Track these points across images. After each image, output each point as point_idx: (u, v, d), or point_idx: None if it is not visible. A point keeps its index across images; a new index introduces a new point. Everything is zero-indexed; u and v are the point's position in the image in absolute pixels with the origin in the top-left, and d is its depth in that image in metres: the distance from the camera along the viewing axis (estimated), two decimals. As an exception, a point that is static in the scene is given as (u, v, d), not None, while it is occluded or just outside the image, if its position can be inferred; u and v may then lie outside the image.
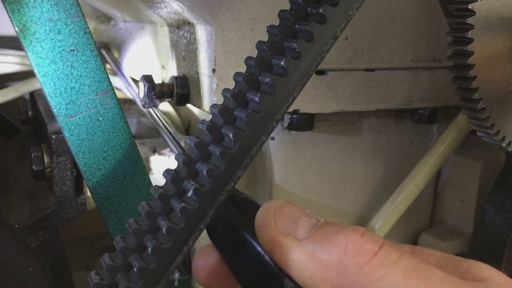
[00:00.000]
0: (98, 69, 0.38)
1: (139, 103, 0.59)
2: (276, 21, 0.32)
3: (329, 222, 0.29)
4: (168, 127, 0.53)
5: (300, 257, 0.27)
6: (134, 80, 0.77)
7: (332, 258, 0.27)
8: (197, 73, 0.49)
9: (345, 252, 0.26)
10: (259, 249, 0.30)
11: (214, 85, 0.46)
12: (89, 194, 0.44)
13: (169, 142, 0.51)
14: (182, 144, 0.52)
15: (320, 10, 0.29)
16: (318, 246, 0.27)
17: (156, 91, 0.52)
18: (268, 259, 0.29)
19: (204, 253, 0.35)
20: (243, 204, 0.33)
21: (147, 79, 0.52)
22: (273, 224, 0.29)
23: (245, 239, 0.31)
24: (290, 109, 0.50)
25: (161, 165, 0.52)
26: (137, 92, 0.58)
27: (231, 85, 0.32)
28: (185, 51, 0.52)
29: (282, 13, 0.31)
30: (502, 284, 0.26)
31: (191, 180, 0.29)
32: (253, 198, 0.35)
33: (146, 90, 0.51)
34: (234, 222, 0.33)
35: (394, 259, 0.26)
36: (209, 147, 0.30)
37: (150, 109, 0.57)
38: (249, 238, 0.31)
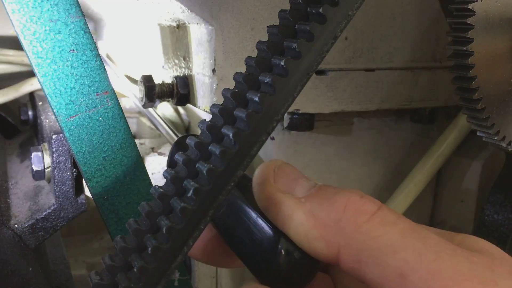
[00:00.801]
0: (98, 69, 0.38)
1: (138, 103, 0.59)
2: (276, 21, 0.32)
3: (327, 185, 0.29)
4: (167, 126, 0.53)
5: (298, 214, 0.28)
6: (134, 80, 0.77)
7: (330, 216, 0.27)
8: (197, 73, 0.49)
9: (344, 211, 0.26)
10: (253, 213, 0.30)
11: (214, 85, 0.46)
12: (89, 194, 0.44)
13: (168, 142, 0.51)
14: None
15: (320, 10, 0.29)
16: (316, 205, 0.27)
17: (156, 91, 0.52)
18: (262, 222, 0.29)
19: None
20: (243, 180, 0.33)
21: (147, 79, 0.52)
22: (272, 181, 0.29)
23: (239, 205, 0.31)
24: (290, 109, 0.50)
25: (161, 165, 0.52)
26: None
27: (231, 85, 0.32)
28: (185, 51, 0.52)
29: (282, 13, 0.31)
30: (496, 253, 0.26)
31: (191, 180, 0.29)
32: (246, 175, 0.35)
33: (146, 90, 0.51)
34: (238, 200, 0.33)
35: (393, 220, 0.26)
36: (209, 147, 0.30)
37: (150, 109, 0.58)
38: (243, 205, 0.31)
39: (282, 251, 0.28)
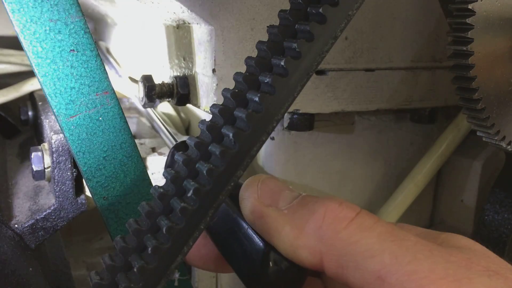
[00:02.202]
0: (98, 69, 0.38)
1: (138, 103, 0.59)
2: (276, 21, 0.32)
3: (309, 195, 0.30)
4: (167, 126, 0.53)
5: (281, 225, 0.29)
6: (134, 80, 0.77)
7: (311, 225, 0.28)
8: (197, 73, 0.49)
9: (323, 219, 0.28)
10: (244, 225, 0.31)
11: (214, 85, 0.46)
12: (89, 194, 0.44)
13: (168, 142, 0.51)
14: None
15: (320, 10, 0.29)
16: (298, 215, 0.29)
17: (156, 91, 0.52)
18: (251, 233, 0.31)
19: None
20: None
21: (147, 79, 0.52)
22: (256, 196, 0.31)
23: (230, 215, 0.32)
24: (290, 109, 0.50)
25: (161, 165, 0.52)
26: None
27: (231, 85, 0.32)
28: (185, 51, 0.52)
29: (282, 13, 0.31)
30: (477, 250, 0.27)
31: (191, 180, 0.29)
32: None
33: (146, 90, 0.51)
34: (227, 207, 0.33)
35: (370, 224, 0.27)
36: (209, 147, 0.30)
37: (150, 109, 0.57)
38: (234, 215, 0.32)
39: (271, 262, 0.29)
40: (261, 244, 0.30)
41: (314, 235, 0.27)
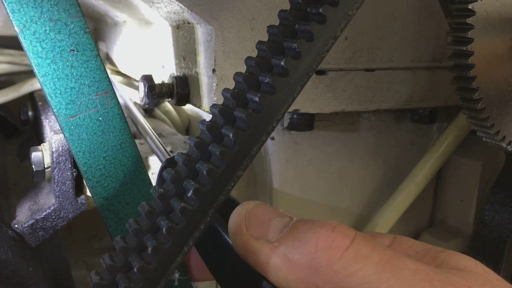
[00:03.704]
0: (98, 69, 0.38)
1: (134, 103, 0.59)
2: (276, 21, 0.32)
3: (301, 220, 0.28)
4: (153, 132, 0.53)
5: (273, 259, 0.27)
6: (134, 80, 0.77)
7: (303, 257, 0.26)
8: (197, 73, 0.49)
9: (316, 250, 0.26)
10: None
11: (214, 85, 0.46)
12: (89, 194, 0.44)
13: (154, 147, 0.51)
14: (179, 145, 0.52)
15: (320, 10, 0.29)
16: (289, 247, 0.27)
17: (156, 91, 0.52)
18: (246, 263, 0.29)
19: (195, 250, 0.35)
20: (224, 205, 0.33)
21: (147, 79, 0.52)
22: (245, 229, 0.29)
23: (224, 240, 0.32)
24: (290, 109, 0.50)
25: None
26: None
27: (231, 85, 0.32)
28: (185, 51, 0.52)
29: (282, 13, 0.31)
30: (478, 273, 0.26)
31: (191, 180, 0.29)
32: (235, 199, 0.35)
33: (146, 90, 0.51)
34: (214, 224, 0.33)
35: (366, 253, 0.25)
36: (209, 147, 0.30)
37: (137, 114, 0.57)
38: (228, 240, 0.31)
39: None
40: (256, 275, 0.29)
41: (307, 267, 0.26)
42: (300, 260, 0.26)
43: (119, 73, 0.83)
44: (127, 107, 0.59)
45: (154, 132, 0.52)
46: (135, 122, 0.56)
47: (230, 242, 0.31)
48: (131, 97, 0.70)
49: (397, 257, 0.25)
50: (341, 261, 0.25)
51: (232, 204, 0.32)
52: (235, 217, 0.30)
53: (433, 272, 0.25)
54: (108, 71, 0.69)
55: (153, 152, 0.51)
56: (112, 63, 0.85)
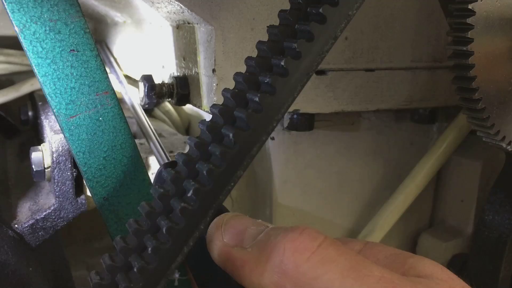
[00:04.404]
0: (98, 69, 0.38)
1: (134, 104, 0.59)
2: (276, 21, 0.32)
3: (274, 227, 0.29)
4: (155, 133, 0.53)
5: (247, 265, 0.28)
6: (133, 80, 0.76)
7: (273, 261, 0.26)
8: (197, 73, 0.49)
9: (283, 252, 0.26)
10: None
11: (214, 85, 0.46)
12: (89, 194, 0.44)
13: (154, 149, 0.51)
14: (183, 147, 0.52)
15: (320, 10, 0.29)
16: (261, 251, 0.27)
17: (156, 91, 0.52)
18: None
19: None
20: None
21: (147, 79, 0.52)
22: (221, 237, 0.30)
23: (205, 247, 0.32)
24: (290, 109, 0.50)
25: (161, 165, 0.51)
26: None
27: (231, 85, 0.32)
28: (185, 51, 0.52)
29: (282, 13, 0.31)
30: (443, 280, 0.26)
31: (191, 180, 0.29)
32: (224, 208, 0.35)
33: (146, 90, 0.51)
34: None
35: (333, 257, 0.25)
36: (209, 147, 0.30)
37: (141, 114, 0.57)
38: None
39: None
40: (235, 284, 0.29)
41: (277, 270, 0.26)
42: (270, 264, 0.27)
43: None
44: (133, 107, 0.59)
45: (156, 135, 0.52)
46: (139, 123, 0.56)
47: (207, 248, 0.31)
48: (131, 97, 0.70)
49: (364, 263, 0.25)
50: (307, 263, 0.25)
51: (220, 214, 0.33)
52: (213, 227, 0.31)
53: (398, 279, 0.25)
54: (119, 72, 0.69)
55: (154, 154, 0.51)
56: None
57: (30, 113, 0.67)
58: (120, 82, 0.68)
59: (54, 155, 0.44)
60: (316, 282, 0.25)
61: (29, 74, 0.73)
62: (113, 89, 0.38)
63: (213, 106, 0.31)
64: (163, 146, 0.49)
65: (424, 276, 0.26)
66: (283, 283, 0.26)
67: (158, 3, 0.49)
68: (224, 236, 0.30)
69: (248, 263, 0.28)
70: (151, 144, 0.51)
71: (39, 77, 0.36)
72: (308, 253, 0.26)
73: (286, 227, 0.28)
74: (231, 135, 0.29)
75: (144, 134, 0.54)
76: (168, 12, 0.50)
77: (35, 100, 0.65)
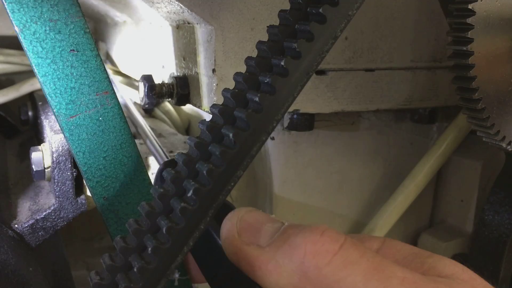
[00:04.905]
0: (98, 69, 0.37)
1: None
2: (276, 21, 0.32)
3: (292, 225, 0.28)
4: (152, 134, 0.53)
5: (264, 264, 0.27)
6: (134, 80, 0.77)
7: (293, 262, 0.26)
8: (197, 73, 0.49)
9: (304, 255, 0.26)
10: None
11: (214, 85, 0.46)
12: (89, 194, 0.44)
13: (152, 149, 0.51)
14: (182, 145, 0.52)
15: (320, 10, 0.29)
16: (279, 252, 0.27)
17: (156, 91, 0.52)
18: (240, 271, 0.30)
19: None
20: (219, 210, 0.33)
21: (147, 79, 0.52)
22: (236, 235, 0.29)
23: (218, 246, 0.32)
24: (290, 109, 0.50)
25: (161, 165, 0.51)
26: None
27: (231, 85, 0.32)
28: (185, 51, 0.52)
29: (282, 13, 0.31)
30: (465, 280, 0.26)
31: (191, 180, 0.29)
32: (230, 203, 0.35)
33: (146, 90, 0.51)
34: (208, 229, 0.33)
35: (355, 259, 0.25)
36: (209, 147, 0.30)
37: (137, 115, 0.57)
38: (219, 242, 0.31)
39: None
40: (251, 281, 0.29)
41: (297, 272, 0.26)
42: (289, 265, 0.26)
43: (119, 73, 0.83)
44: (127, 108, 0.59)
45: (153, 134, 0.52)
46: (135, 123, 0.56)
47: (219, 245, 0.31)
48: (131, 97, 0.70)
49: (386, 264, 0.25)
50: (330, 266, 0.25)
51: (227, 209, 0.33)
52: (227, 223, 0.30)
53: (421, 280, 0.25)
54: (109, 71, 0.69)
55: (152, 154, 0.51)
56: (112, 63, 0.85)
57: (30, 113, 0.67)
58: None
59: (54, 155, 0.44)
60: (338, 285, 0.25)
61: (29, 74, 0.73)
62: (113, 89, 0.38)
63: (213, 106, 0.31)
64: (161, 145, 0.49)
65: (445, 276, 0.26)
66: (303, 285, 0.26)
67: (158, 3, 0.49)
68: (239, 233, 0.29)
69: (266, 263, 0.27)
70: (149, 143, 0.51)
71: (39, 77, 0.36)
72: (330, 256, 0.25)
73: (304, 226, 0.27)
74: (231, 135, 0.29)
75: (141, 134, 0.54)
76: (168, 12, 0.50)
77: (35, 100, 0.65)
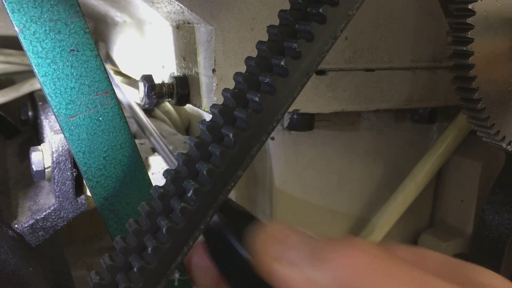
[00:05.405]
0: (98, 69, 0.37)
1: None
2: (276, 21, 0.32)
3: (321, 238, 0.28)
4: (157, 133, 0.53)
5: (295, 280, 0.27)
6: (134, 80, 0.77)
7: (325, 277, 0.25)
8: (197, 73, 0.49)
9: (337, 269, 0.25)
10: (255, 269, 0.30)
11: (214, 85, 0.46)
12: (89, 194, 0.44)
13: (158, 148, 0.51)
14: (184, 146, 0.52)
15: (320, 10, 0.29)
16: (310, 267, 0.26)
17: (156, 91, 0.52)
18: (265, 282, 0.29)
19: (199, 252, 0.35)
20: (241, 218, 0.32)
21: (147, 79, 0.52)
22: (265, 251, 0.29)
23: (241, 257, 0.31)
24: (290, 109, 0.50)
25: (161, 165, 0.52)
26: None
27: (231, 85, 0.32)
28: (185, 51, 0.52)
29: (282, 13, 0.31)
30: None
31: (191, 180, 0.29)
32: (250, 212, 0.35)
33: (146, 90, 0.51)
34: (231, 241, 0.32)
35: (391, 271, 0.24)
36: (209, 147, 0.30)
37: (140, 114, 0.57)
38: (245, 256, 0.31)
39: None
40: None
41: (331, 286, 0.25)
42: (322, 280, 0.25)
43: (119, 73, 0.83)
44: (131, 107, 0.59)
45: (158, 132, 0.52)
46: (139, 122, 0.56)
47: (246, 259, 0.30)
48: (131, 97, 0.70)
49: (423, 275, 0.24)
50: (365, 279, 0.24)
51: (246, 218, 0.32)
52: (255, 240, 0.30)
53: None
54: (110, 71, 0.69)
55: (158, 153, 0.51)
56: (112, 63, 0.86)
57: (30, 113, 0.67)
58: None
59: (54, 155, 0.44)
60: None
61: (29, 74, 0.73)
62: (113, 89, 0.38)
63: (213, 106, 0.31)
64: (166, 144, 0.49)
65: (483, 287, 0.26)
66: None
67: (158, 3, 0.49)
68: (267, 249, 0.29)
69: (296, 279, 0.27)
70: (154, 141, 0.51)
71: (39, 77, 0.36)
72: (365, 268, 0.25)
73: (334, 239, 0.27)
74: (231, 135, 0.29)
75: (146, 134, 0.54)
76: (168, 12, 0.50)
77: (35, 100, 0.65)
